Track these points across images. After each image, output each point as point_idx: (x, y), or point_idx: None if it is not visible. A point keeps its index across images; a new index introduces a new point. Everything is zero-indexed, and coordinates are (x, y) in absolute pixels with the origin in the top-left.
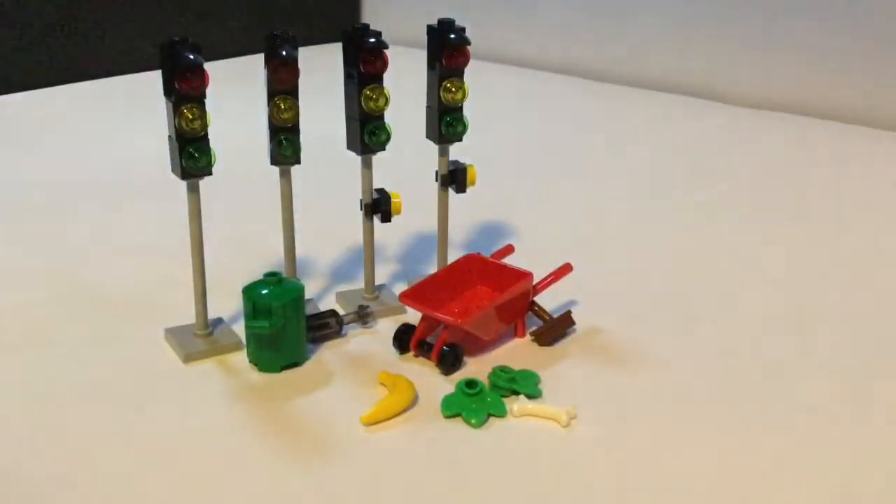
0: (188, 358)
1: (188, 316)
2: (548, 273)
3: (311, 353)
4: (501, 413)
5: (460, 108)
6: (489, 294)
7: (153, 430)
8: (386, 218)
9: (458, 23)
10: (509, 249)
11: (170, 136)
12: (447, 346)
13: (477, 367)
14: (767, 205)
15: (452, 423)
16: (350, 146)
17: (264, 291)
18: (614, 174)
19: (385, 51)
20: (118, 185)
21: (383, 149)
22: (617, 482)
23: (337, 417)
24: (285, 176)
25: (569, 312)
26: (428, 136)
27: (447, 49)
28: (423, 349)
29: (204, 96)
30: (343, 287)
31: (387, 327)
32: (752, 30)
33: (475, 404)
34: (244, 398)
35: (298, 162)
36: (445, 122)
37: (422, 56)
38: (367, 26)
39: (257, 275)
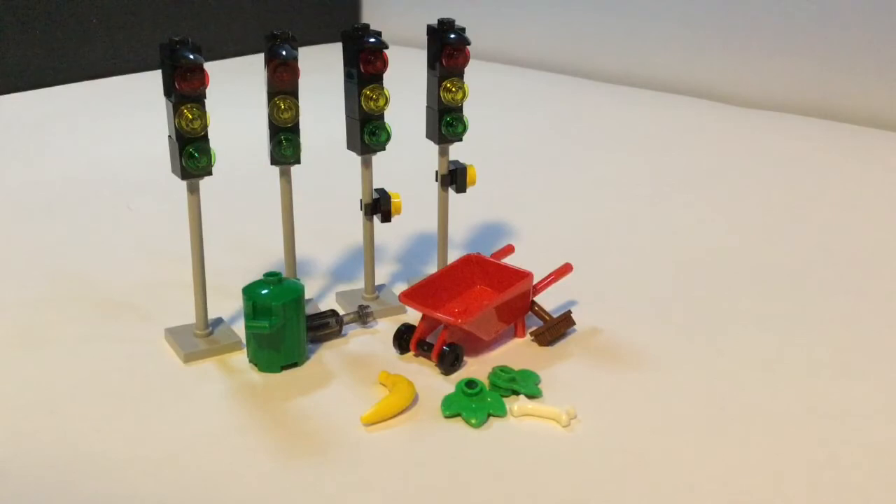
0: (188, 358)
1: (188, 316)
2: (548, 273)
3: (311, 353)
4: (501, 413)
5: (460, 108)
6: (489, 294)
7: (153, 430)
8: (386, 218)
9: (458, 23)
10: (509, 249)
11: (170, 136)
12: (447, 346)
13: (477, 367)
14: (768, 205)
15: (452, 423)
16: (350, 146)
17: (264, 291)
18: (614, 174)
19: (385, 51)
20: (118, 184)
21: (383, 149)
22: (617, 482)
23: (337, 417)
24: (285, 176)
25: (569, 312)
26: (428, 136)
27: (447, 49)
28: (423, 349)
29: (204, 96)
30: (343, 287)
31: (387, 327)
32: (754, 30)
33: (475, 404)
34: (244, 398)
35: (298, 162)
36: (445, 122)
37: (422, 56)
38: (367, 26)
39: (257, 275)
